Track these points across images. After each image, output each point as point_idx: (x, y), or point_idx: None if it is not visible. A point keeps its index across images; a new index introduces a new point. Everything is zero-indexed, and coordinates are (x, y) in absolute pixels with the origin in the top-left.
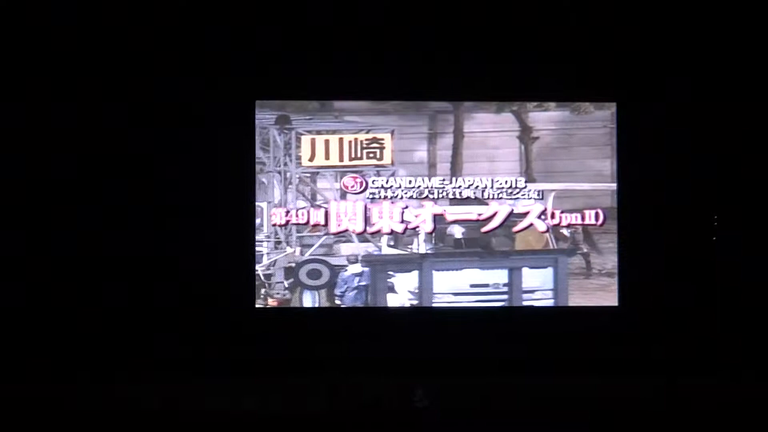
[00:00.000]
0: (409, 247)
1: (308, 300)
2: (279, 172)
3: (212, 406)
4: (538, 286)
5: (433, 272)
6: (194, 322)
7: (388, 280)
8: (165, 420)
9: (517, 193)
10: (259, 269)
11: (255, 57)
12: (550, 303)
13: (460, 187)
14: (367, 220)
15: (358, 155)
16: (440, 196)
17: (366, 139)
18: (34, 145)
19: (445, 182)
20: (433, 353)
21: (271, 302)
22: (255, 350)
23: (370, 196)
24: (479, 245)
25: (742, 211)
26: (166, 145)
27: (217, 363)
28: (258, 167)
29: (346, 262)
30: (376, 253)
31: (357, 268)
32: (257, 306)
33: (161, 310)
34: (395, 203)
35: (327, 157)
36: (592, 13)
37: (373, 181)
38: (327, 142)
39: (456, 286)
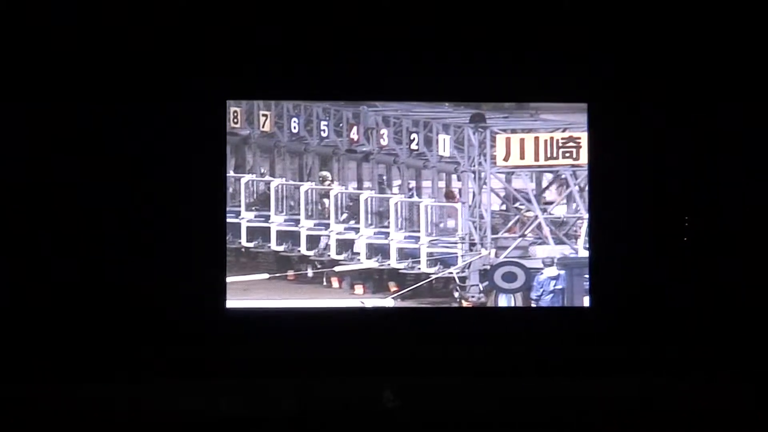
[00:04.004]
0: None
1: (503, 303)
2: (473, 172)
3: (186, 407)
4: None
5: None
6: (166, 324)
7: (585, 283)
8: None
9: None
10: (454, 271)
11: (227, 57)
12: None
13: None
14: None
15: (554, 155)
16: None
17: (562, 138)
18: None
19: None
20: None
21: (466, 305)
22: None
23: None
24: None
25: (717, 211)
26: (139, 145)
27: (187, 364)
28: (452, 167)
29: (541, 265)
30: (572, 255)
31: (553, 271)
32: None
33: (134, 311)
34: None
35: (522, 157)
36: (564, 15)
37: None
38: (522, 141)
39: None
